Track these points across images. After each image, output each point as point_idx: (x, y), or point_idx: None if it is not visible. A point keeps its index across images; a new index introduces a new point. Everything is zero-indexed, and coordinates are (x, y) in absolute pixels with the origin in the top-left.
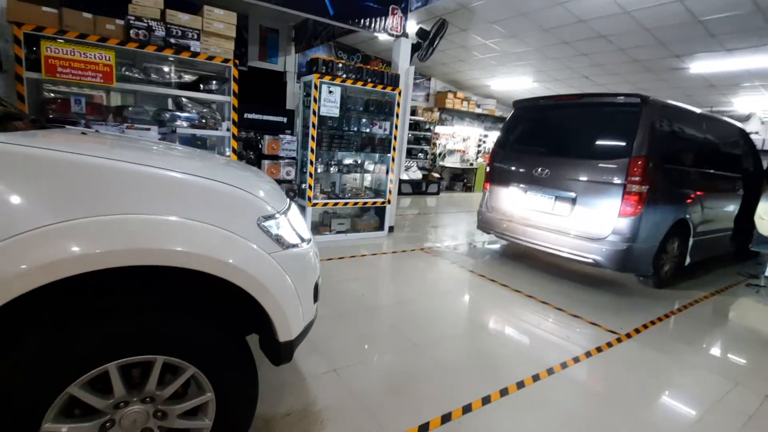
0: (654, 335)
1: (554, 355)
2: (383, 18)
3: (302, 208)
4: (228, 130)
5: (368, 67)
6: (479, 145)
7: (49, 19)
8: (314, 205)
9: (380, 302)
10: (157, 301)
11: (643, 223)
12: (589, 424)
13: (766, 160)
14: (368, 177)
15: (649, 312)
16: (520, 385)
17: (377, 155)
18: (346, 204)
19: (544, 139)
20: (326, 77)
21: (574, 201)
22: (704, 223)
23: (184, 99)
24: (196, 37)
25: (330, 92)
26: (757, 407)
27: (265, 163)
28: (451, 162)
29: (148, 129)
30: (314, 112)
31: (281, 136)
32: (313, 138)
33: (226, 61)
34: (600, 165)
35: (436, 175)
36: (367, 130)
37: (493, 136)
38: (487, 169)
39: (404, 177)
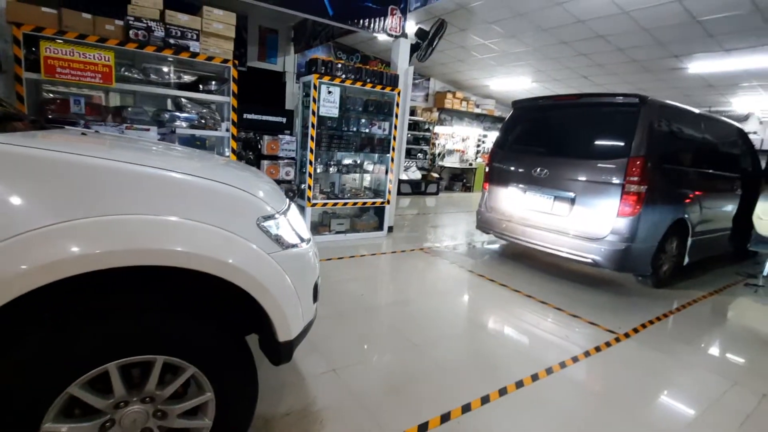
0: (652, 335)
1: (553, 355)
2: (382, 18)
3: (301, 209)
4: (227, 130)
5: (367, 67)
6: (478, 145)
7: (48, 20)
8: (313, 205)
9: (379, 302)
10: (157, 301)
11: (641, 223)
12: (587, 423)
13: (764, 159)
14: (367, 177)
15: (648, 312)
16: (519, 384)
17: (376, 155)
18: (345, 204)
19: (543, 139)
20: (325, 77)
21: (572, 201)
22: (703, 223)
23: (183, 99)
24: (195, 37)
25: (329, 92)
26: (755, 406)
27: (265, 163)
28: (451, 162)
29: (148, 129)
30: (313, 113)
31: (280, 136)
32: (312, 138)
33: (226, 61)
34: (599, 165)
35: (436, 175)
36: (367, 131)
37: (492, 136)
38: (486, 169)
39: (403, 177)
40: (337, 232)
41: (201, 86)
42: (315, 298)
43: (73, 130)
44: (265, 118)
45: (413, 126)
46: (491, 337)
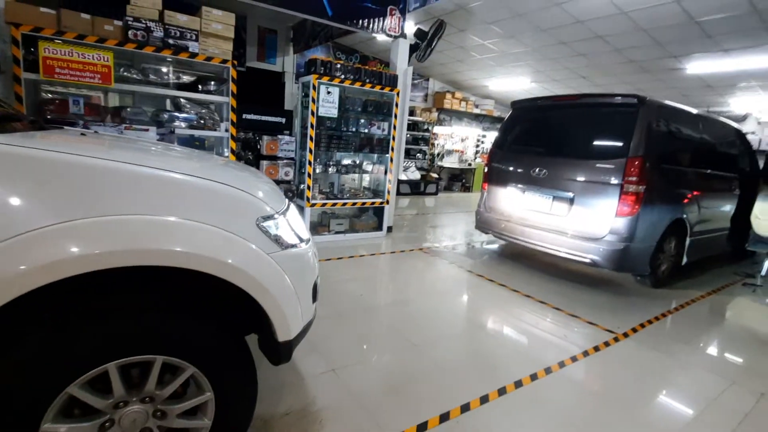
0: (651, 334)
1: (552, 355)
2: (381, 19)
3: (301, 209)
4: (226, 130)
5: (366, 67)
6: (477, 146)
7: (47, 20)
8: (313, 205)
9: (379, 302)
10: (156, 301)
11: (640, 222)
12: (586, 423)
13: (762, 160)
14: (367, 177)
15: (646, 311)
16: (518, 384)
17: (376, 155)
18: (344, 204)
19: (542, 140)
20: (324, 78)
21: (571, 201)
22: (701, 223)
23: (182, 100)
24: (194, 37)
25: (328, 93)
26: (753, 405)
27: (264, 163)
28: (450, 162)
29: (147, 130)
30: (312, 113)
31: (280, 136)
32: (311, 138)
33: (225, 61)
34: (597, 165)
35: (435, 175)
36: (366, 131)
37: (492, 136)
38: (486, 170)
39: (403, 177)
40: (337, 233)
41: (200, 86)
42: (314, 298)
43: (72, 130)
44: (264, 118)
45: (412, 126)
46: (490, 337)
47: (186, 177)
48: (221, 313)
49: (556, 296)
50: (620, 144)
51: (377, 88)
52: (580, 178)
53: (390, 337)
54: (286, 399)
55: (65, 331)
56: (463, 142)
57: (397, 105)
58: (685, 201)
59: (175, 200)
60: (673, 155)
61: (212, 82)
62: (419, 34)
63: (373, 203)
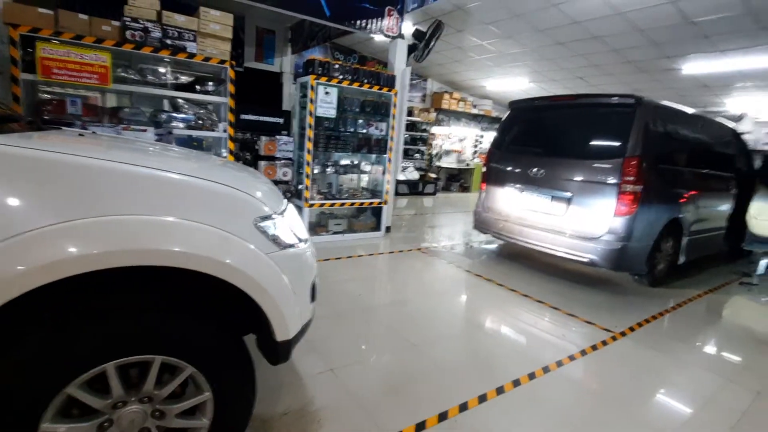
0: (648, 333)
1: (550, 354)
2: (379, 19)
3: (299, 209)
4: (224, 131)
5: (364, 68)
6: (475, 146)
7: (44, 21)
8: (311, 205)
9: (377, 302)
10: (155, 301)
11: (637, 222)
12: (584, 421)
13: (758, 159)
14: (365, 177)
15: (644, 310)
16: (516, 383)
17: (374, 156)
18: (342, 204)
19: (539, 140)
20: (322, 78)
21: (569, 201)
22: (698, 222)
23: (180, 100)
24: (192, 38)
25: (326, 93)
26: (750, 404)
27: (262, 164)
28: (448, 162)
29: (145, 130)
30: (311, 113)
31: (278, 137)
32: (309, 139)
33: (223, 62)
34: (595, 165)
35: (433, 175)
36: (364, 131)
37: (490, 136)
38: (484, 170)
39: (401, 177)
40: (335, 233)
41: (198, 87)
42: (313, 297)
43: (69, 131)
44: (262, 118)
45: (410, 126)
46: (488, 337)
47: (184, 177)
48: (220, 313)
49: (554, 296)
50: (617, 144)
51: (375, 89)
52: (578, 178)
53: (388, 336)
54: (285, 399)
55: (64, 331)
56: (461, 142)
57: (395, 105)
58: (682, 201)
59: (173, 200)
60: (670, 155)
61: (210, 83)
62: (417, 34)
63: (371, 203)
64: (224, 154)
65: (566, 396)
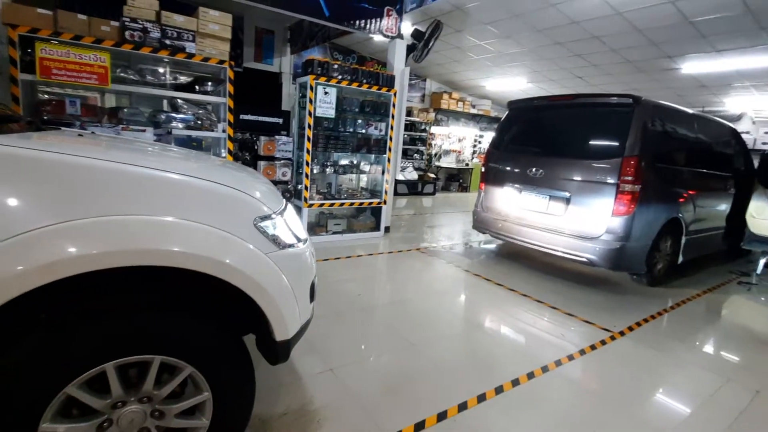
0: (647, 333)
1: (549, 353)
2: (378, 19)
3: (298, 209)
4: (224, 131)
5: (364, 68)
6: (475, 146)
7: (44, 21)
8: (310, 205)
9: (377, 302)
10: (154, 301)
11: (636, 222)
12: (583, 420)
13: (756, 159)
14: (364, 178)
15: (643, 310)
16: (515, 383)
17: (373, 156)
18: (342, 205)
19: (538, 140)
20: (322, 78)
21: (568, 201)
22: (696, 222)
23: (179, 100)
24: (191, 38)
25: (325, 93)
26: (748, 403)
27: (261, 164)
28: (447, 162)
29: (144, 130)
30: (310, 113)
31: (277, 137)
32: (308, 139)
33: (222, 62)
34: (593, 165)
35: (432, 175)
36: (363, 131)
37: (489, 136)
38: (483, 170)
39: (400, 177)
40: (334, 233)
41: (197, 87)
42: (312, 297)
43: (69, 131)
44: (261, 119)
45: (410, 126)
46: (488, 336)
47: (184, 177)
48: (219, 312)
49: (553, 295)
50: (616, 144)
51: (374, 89)
52: (577, 178)
53: (388, 336)
54: (284, 398)
55: (63, 331)
56: (461, 142)
57: (394, 105)
58: (681, 200)
59: (172, 200)
60: (669, 155)
61: (209, 83)
62: (416, 34)
63: (370, 203)
64: (223, 155)
65: (565, 395)
